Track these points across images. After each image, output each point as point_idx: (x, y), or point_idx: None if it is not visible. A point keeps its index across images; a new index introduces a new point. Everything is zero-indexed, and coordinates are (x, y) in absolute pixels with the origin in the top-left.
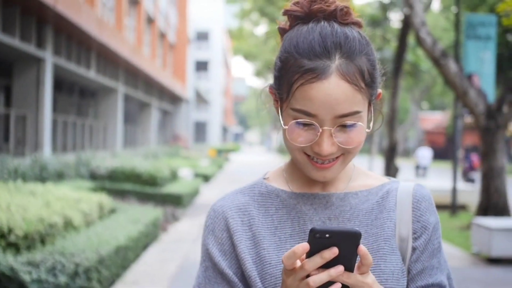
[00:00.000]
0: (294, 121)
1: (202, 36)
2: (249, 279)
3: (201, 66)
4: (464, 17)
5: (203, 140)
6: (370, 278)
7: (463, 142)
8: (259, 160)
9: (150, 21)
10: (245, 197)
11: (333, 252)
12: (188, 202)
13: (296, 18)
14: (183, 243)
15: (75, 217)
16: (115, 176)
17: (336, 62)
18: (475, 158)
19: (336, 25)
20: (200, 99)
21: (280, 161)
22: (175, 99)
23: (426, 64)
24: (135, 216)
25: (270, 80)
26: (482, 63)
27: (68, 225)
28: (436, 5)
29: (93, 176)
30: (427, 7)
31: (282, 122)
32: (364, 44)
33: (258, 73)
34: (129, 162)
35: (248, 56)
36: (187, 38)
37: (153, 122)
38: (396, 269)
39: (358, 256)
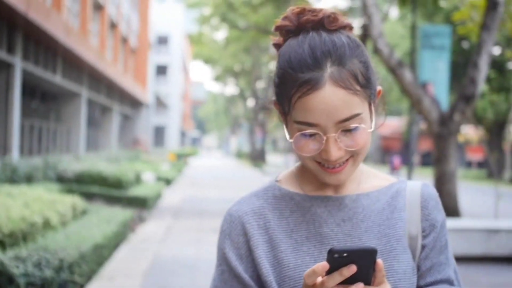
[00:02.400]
0: (299, 133)
1: (162, 41)
2: (265, 284)
3: (161, 70)
4: (420, 27)
5: (162, 144)
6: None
7: (419, 147)
8: (218, 164)
9: (113, 26)
10: (259, 201)
11: (352, 269)
12: (153, 204)
13: (288, 32)
14: (151, 242)
15: (53, 217)
16: (82, 179)
17: (328, 70)
18: (396, 161)
19: (324, 34)
20: (160, 103)
21: (238, 165)
22: (135, 103)
23: (382, 71)
24: (106, 217)
25: (230, 85)
26: (436, 72)
27: (47, 224)
28: (394, 13)
29: (61, 179)
30: (385, 17)
31: (287, 135)
32: (353, 48)
33: (218, 78)
34: (95, 166)
35: (208, 61)
36: (148, 43)
37: (114, 126)
38: (408, 268)
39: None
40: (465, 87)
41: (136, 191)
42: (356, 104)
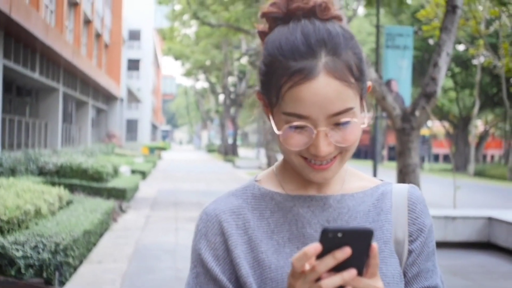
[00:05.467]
0: (288, 125)
1: (134, 35)
2: (244, 285)
3: (133, 64)
4: (384, 27)
5: (134, 139)
6: (380, 283)
7: (386, 141)
8: (190, 158)
9: (87, 22)
10: (238, 200)
11: (346, 252)
12: (131, 196)
13: (275, 20)
14: (133, 231)
15: (43, 206)
16: (63, 171)
17: (323, 60)
18: None
19: (317, 22)
20: (132, 97)
21: (209, 159)
22: (109, 97)
23: None
24: (91, 206)
25: (201, 80)
26: (400, 70)
27: (38, 212)
28: (362, 10)
29: (42, 171)
30: (353, 16)
31: (274, 127)
32: (348, 38)
33: (188, 73)
34: (75, 159)
35: (179, 57)
36: (121, 38)
37: (89, 120)
38: (396, 273)
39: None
40: (426, 85)
41: (115, 183)
42: (349, 97)
